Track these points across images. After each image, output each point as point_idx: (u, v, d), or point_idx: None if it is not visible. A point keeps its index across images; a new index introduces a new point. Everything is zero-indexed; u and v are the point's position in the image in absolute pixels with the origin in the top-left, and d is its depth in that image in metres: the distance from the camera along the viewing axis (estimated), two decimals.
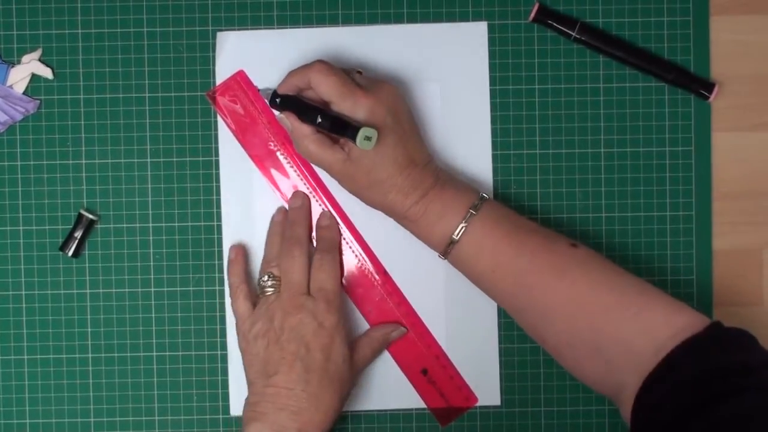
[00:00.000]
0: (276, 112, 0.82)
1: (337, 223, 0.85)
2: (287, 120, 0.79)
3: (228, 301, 0.85)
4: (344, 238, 0.85)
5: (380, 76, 0.84)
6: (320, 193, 0.85)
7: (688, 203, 0.86)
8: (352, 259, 0.85)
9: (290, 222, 0.83)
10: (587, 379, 0.77)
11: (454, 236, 0.77)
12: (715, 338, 0.71)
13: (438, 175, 0.79)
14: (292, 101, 0.79)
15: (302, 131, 0.78)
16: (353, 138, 0.74)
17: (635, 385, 0.71)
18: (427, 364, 0.85)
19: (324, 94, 0.77)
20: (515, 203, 0.85)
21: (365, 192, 0.79)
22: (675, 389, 0.69)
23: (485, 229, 0.77)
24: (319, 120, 0.76)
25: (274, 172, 0.85)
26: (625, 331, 0.73)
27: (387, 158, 0.77)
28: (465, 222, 0.77)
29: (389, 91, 0.78)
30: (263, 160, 0.85)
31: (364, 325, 0.85)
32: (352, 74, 0.79)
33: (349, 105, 0.76)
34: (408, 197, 0.78)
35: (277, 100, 0.80)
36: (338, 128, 0.75)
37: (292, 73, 0.80)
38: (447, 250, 0.78)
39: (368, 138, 0.74)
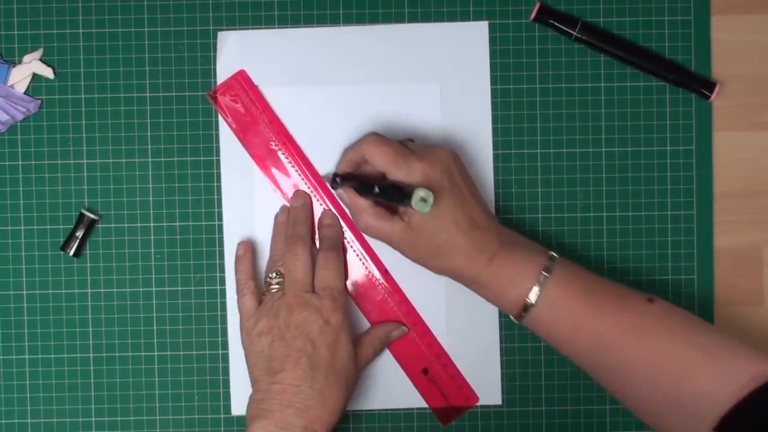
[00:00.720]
0: (336, 191, 0.83)
1: (339, 222, 0.85)
2: (345, 196, 0.80)
3: (229, 299, 0.85)
4: (345, 237, 0.85)
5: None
6: (321, 192, 0.85)
7: (688, 203, 0.86)
8: (353, 258, 0.85)
9: (292, 221, 0.83)
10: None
11: (529, 300, 0.76)
12: None
13: (502, 237, 0.78)
14: (350, 178, 0.80)
15: (360, 205, 0.79)
16: (409, 200, 0.73)
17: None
18: (428, 364, 0.85)
19: (378, 164, 0.78)
20: (516, 203, 0.85)
21: (430, 259, 0.79)
22: (751, 429, 0.69)
23: (560, 291, 0.76)
24: (376, 190, 0.76)
25: (275, 171, 0.85)
26: (707, 384, 0.72)
27: (447, 221, 0.77)
28: (539, 285, 0.76)
29: (443, 154, 0.78)
30: (264, 160, 0.85)
31: (365, 324, 0.85)
32: (405, 143, 0.80)
33: (404, 172, 0.77)
34: (475, 262, 0.77)
35: (338, 180, 0.81)
36: (394, 195, 0.76)
37: (346, 150, 0.81)
38: (521, 313, 0.77)
39: (424, 199, 0.73)
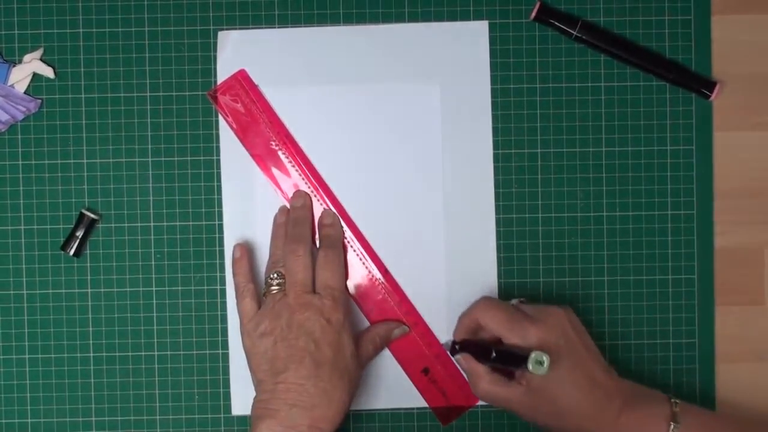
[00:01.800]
0: (454, 357, 0.83)
1: (340, 221, 0.85)
2: (462, 362, 0.81)
3: (230, 300, 0.85)
4: (345, 237, 0.85)
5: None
6: (321, 192, 0.85)
7: (689, 202, 0.86)
8: (353, 258, 0.85)
9: (293, 221, 0.83)
10: None
11: None
12: None
13: (623, 391, 0.78)
14: (467, 344, 0.81)
15: (477, 371, 0.79)
16: (525, 365, 0.74)
17: None
18: (429, 363, 0.85)
19: (493, 330, 0.79)
20: (516, 202, 0.85)
21: (553, 421, 0.79)
22: None
23: None
24: (493, 355, 0.77)
25: (275, 171, 0.85)
26: None
27: (567, 383, 0.77)
28: None
29: (558, 316, 0.78)
30: (264, 160, 0.85)
31: (366, 324, 0.85)
32: (518, 305, 0.80)
33: (519, 337, 0.77)
34: (600, 423, 0.77)
35: (457, 347, 0.82)
36: (511, 359, 0.76)
37: (461, 317, 0.82)
38: None
39: (540, 362, 0.74)
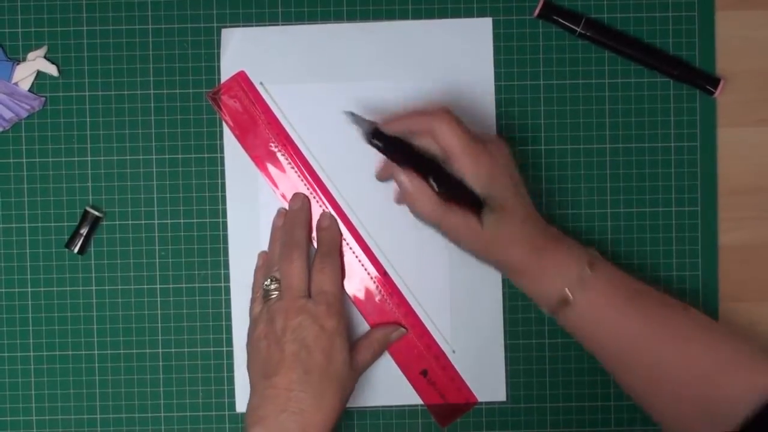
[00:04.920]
0: (378, 148, 0.77)
1: (338, 224, 0.85)
2: (406, 178, 0.76)
3: (234, 297, 0.85)
4: (344, 239, 0.84)
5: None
6: (320, 194, 0.84)
7: (693, 199, 0.86)
8: (351, 259, 0.85)
9: (289, 224, 0.83)
10: None
11: (568, 294, 0.76)
12: None
13: (548, 231, 0.78)
14: (399, 147, 0.75)
15: (423, 188, 0.75)
16: (478, 215, 0.74)
17: None
18: (427, 365, 0.85)
19: (448, 146, 0.75)
20: None
21: (484, 254, 0.78)
22: None
23: (597, 289, 0.76)
24: (432, 182, 0.73)
25: (274, 172, 0.85)
26: (734, 390, 0.72)
27: (516, 220, 0.76)
28: (579, 281, 0.76)
29: (501, 149, 0.77)
30: (264, 161, 0.85)
31: (364, 326, 0.85)
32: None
33: (470, 164, 0.74)
34: (523, 254, 0.77)
35: (377, 140, 0.75)
36: (459, 196, 0.74)
37: (409, 116, 0.77)
38: (557, 308, 0.77)
39: (492, 210, 0.74)
